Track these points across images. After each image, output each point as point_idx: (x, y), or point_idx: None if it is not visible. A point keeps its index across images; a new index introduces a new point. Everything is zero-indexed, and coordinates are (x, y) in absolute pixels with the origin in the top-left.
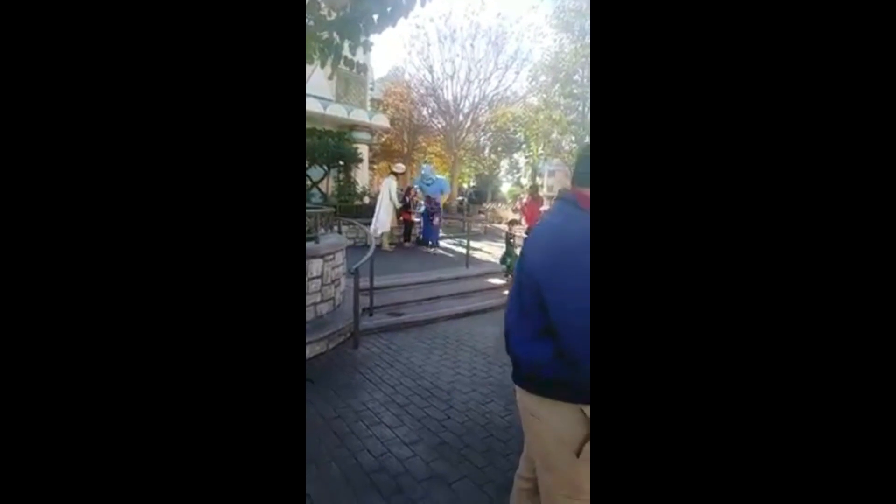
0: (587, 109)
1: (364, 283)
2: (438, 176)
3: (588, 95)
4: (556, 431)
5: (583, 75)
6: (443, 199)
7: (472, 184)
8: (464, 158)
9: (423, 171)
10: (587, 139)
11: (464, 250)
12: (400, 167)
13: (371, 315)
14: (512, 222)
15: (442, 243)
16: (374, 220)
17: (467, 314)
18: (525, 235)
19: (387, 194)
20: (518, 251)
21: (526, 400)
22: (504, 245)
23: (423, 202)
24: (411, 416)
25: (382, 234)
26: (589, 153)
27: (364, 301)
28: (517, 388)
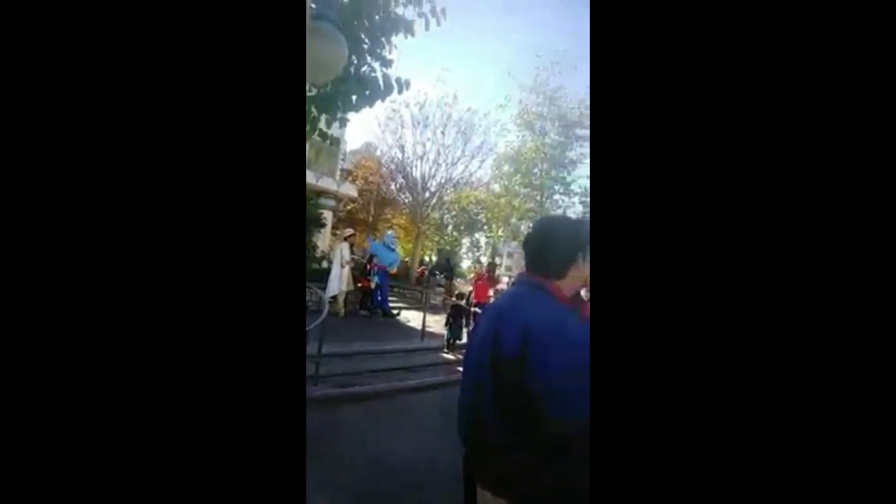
0: (545, 200)
1: (311, 349)
2: (394, 248)
3: (545, 187)
4: None
5: (542, 168)
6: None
7: (433, 257)
8: (427, 233)
9: (387, 237)
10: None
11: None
12: (348, 231)
13: (316, 384)
14: (459, 295)
15: (405, 313)
16: (327, 283)
17: (420, 389)
18: (477, 310)
19: (338, 259)
20: (463, 323)
21: None
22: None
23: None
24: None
25: (336, 298)
26: (540, 235)
27: (310, 368)
28: None
